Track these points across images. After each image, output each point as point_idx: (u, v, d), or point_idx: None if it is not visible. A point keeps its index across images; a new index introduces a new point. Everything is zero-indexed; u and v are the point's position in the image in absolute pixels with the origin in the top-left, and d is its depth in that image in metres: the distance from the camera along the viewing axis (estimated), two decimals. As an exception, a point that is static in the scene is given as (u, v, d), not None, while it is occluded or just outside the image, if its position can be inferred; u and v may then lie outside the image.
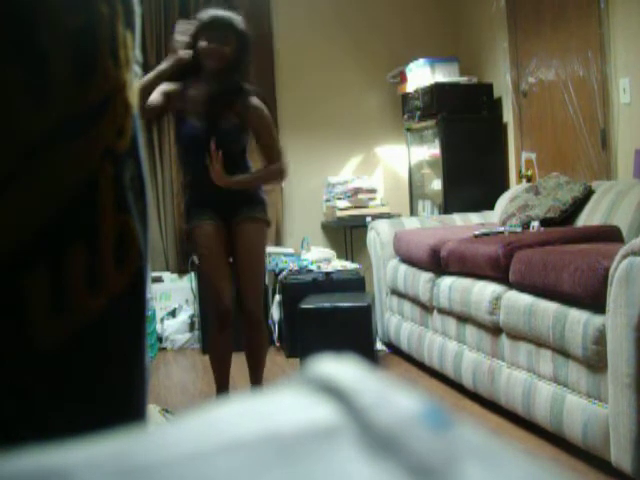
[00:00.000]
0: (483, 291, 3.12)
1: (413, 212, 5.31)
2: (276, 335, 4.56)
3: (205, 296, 3.30)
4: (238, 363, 4.30)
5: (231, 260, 3.20)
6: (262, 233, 3.19)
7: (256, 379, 3.30)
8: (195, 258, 3.35)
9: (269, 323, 4.57)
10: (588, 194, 3.64)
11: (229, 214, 3.13)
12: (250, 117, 3.09)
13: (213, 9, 3.15)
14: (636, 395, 2.19)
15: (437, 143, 4.89)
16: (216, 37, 3.01)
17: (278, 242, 5.26)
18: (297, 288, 4.35)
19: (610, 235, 3.09)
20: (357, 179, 5.27)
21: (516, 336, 2.89)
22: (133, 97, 0.48)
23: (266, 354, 3.33)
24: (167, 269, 5.05)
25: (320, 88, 5.33)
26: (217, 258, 3.13)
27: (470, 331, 3.28)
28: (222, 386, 3.28)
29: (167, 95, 3.08)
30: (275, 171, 3.19)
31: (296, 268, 4.53)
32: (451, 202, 4.78)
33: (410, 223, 4.43)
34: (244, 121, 3.09)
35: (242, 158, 3.15)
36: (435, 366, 3.65)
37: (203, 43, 3.01)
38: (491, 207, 4.50)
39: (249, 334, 3.22)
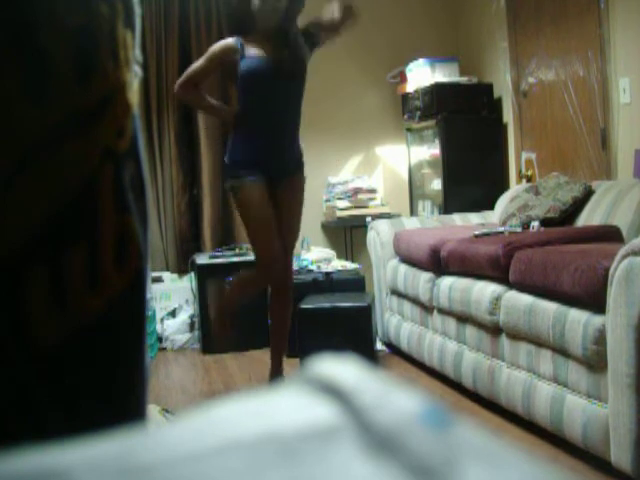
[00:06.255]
0: (483, 291, 3.12)
1: (413, 212, 5.31)
2: (276, 335, 4.55)
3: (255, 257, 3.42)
4: (238, 363, 4.30)
5: None
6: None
7: (281, 338, 3.53)
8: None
9: (269, 323, 4.57)
10: (588, 194, 3.63)
11: (277, 173, 3.32)
12: None
13: None
14: (636, 395, 2.19)
15: (437, 143, 4.89)
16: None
17: (278, 242, 5.25)
18: (297, 288, 4.34)
19: (610, 235, 3.08)
20: (357, 179, 5.27)
21: (516, 336, 2.89)
22: (133, 97, 0.48)
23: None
24: (167, 269, 5.05)
25: (320, 88, 5.33)
26: (271, 223, 3.29)
27: (470, 331, 3.28)
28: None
29: None
30: None
31: (296, 268, 4.53)
32: (451, 202, 4.78)
33: (410, 223, 4.43)
34: None
35: None
36: (435, 366, 3.64)
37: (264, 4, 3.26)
38: (491, 207, 4.50)
39: (282, 291, 3.48)
